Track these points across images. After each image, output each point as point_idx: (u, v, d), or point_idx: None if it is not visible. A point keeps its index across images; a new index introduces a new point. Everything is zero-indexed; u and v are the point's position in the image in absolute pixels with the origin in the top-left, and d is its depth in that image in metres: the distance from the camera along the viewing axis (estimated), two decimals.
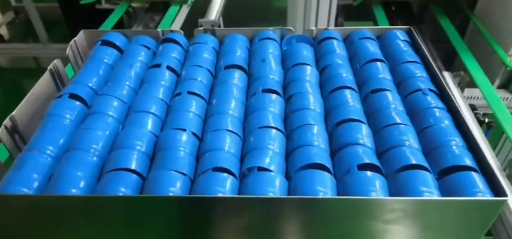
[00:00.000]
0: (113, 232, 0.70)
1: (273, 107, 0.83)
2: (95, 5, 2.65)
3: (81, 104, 0.85)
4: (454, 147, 0.71)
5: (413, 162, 0.68)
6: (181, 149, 0.74)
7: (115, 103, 0.84)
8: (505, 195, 0.62)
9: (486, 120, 1.54)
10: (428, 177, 0.66)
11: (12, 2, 4.03)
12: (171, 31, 1.08)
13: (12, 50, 3.65)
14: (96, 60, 0.98)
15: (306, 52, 0.99)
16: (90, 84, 0.90)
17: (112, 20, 2.39)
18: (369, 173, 0.67)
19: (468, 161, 0.68)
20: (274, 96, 0.86)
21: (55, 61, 0.96)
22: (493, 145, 1.69)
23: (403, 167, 0.68)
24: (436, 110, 0.79)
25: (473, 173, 0.66)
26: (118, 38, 1.05)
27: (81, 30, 1.07)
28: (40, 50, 3.58)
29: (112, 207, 0.65)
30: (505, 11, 1.96)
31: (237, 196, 0.66)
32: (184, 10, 2.50)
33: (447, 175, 0.67)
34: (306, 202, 0.63)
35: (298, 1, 1.87)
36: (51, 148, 0.75)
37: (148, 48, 1.04)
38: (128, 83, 0.91)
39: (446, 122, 0.77)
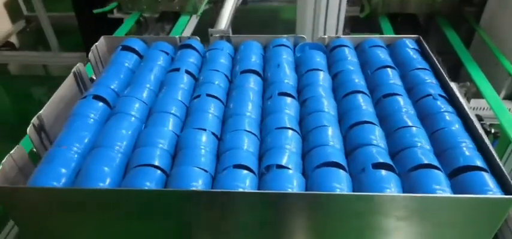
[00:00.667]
0: (137, 224, 0.73)
1: (288, 109, 0.86)
2: (107, 14, 2.71)
3: (104, 105, 0.89)
4: (464, 149, 0.74)
5: (426, 162, 0.71)
6: (202, 147, 0.77)
7: (137, 104, 0.88)
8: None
9: (492, 131, 1.57)
10: (441, 176, 0.69)
11: (24, 11, 4.12)
12: (188, 37, 1.12)
13: (23, 57, 3.72)
14: (118, 64, 1.02)
15: (319, 59, 1.03)
16: (112, 87, 0.94)
17: (124, 29, 2.45)
18: (383, 171, 0.70)
19: (478, 162, 0.71)
20: (289, 99, 0.89)
21: (78, 64, 1.00)
22: (500, 155, 1.71)
23: (415, 167, 0.71)
24: (446, 114, 0.82)
25: (483, 173, 0.69)
26: (137, 44, 1.09)
27: (102, 36, 1.12)
28: (51, 58, 3.65)
29: (139, 200, 0.68)
30: (510, 23, 2.00)
31: (260, 191, 0.69)
32: (194, 20, 2.56)
33: (458, 175, 0.70)
34: (324, 198, 0.66)
35: (307, 13, 1.92)
36: (77, 145, 0.78)
37: (167, 53, 1.08)
38: (148, 85, 0.95)
39: (457, 126, 0.80)
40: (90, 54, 1.05)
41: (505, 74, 1.91)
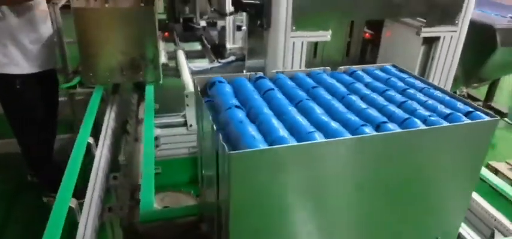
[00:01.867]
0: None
1: (358, 100, 1.36)
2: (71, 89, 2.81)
3: (242, 110, 1.24)
4: (462, 104, 1.35)
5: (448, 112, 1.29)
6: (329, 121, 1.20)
7: (265, 108, 1.26)
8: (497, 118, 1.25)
9: None
10: (462, 117, 1.27)
11: None
12: (256, 73, 1.53)
13: None
14: (224, 90, 1.37)
15: (348, 77, 1.57)
16: (231, 100, 1.29)
17: (94, 103, 2.60)
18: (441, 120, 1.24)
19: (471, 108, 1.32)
20: (354, 96, 1.39)
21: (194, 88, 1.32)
22: None
23: (447, 115, 1.28)
24: (438, 92, 1.44)
25: (479, 112, 1.29)
26: (222, 79, 1.46)
27: (195, 77, 1.44)
28: None
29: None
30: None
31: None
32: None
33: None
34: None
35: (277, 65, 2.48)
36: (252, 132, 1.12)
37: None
38: (256, 98, 1.33)
39: (448, 96, 1.41)
40: (196, 84, 1.37)
41: None
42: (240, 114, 1.20)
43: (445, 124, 1.21)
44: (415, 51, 2.85)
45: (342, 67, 1.68)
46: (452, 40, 2.76)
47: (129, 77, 2.88)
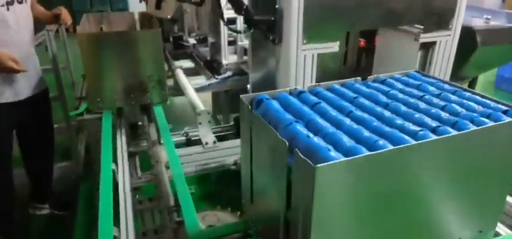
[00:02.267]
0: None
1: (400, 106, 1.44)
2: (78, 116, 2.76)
3: (302, 124, 1.28)
4: (495, 103, 1.45)
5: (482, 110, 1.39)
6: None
7: (319, 119, 1.31)
8: None
9: None
10: (501, 115, 1.37)
11: None
12: (296, 88, 1.58)
13: None
14: (273, 106, 1.41)
15: (380, 85, 1.65)
16: (288, 116, 1.34)
17: (107, 128, 2.56)
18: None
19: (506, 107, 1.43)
20: (395, 102, 1.47)
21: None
22: None
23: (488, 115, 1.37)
24: (467, 93, 1.54)
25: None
26: (267, 96, 1.50)
27: (242, 96, 1.47)
28: None
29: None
30: None
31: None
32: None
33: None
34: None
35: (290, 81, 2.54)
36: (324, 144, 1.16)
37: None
38: (310, 112, 1.38)
39: (478, 97, 1.52)
40: (245, 104, 1.41)
41: None
42: (303, 128, 1.25)
43: (491, 123, 1.30)
44: (413, 56, 2.98)
45: (371, 76, 1.76)
46: (447, 44, 2.92)
47: (137, 100, 2.86)
